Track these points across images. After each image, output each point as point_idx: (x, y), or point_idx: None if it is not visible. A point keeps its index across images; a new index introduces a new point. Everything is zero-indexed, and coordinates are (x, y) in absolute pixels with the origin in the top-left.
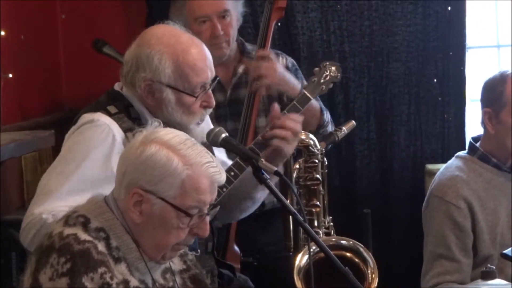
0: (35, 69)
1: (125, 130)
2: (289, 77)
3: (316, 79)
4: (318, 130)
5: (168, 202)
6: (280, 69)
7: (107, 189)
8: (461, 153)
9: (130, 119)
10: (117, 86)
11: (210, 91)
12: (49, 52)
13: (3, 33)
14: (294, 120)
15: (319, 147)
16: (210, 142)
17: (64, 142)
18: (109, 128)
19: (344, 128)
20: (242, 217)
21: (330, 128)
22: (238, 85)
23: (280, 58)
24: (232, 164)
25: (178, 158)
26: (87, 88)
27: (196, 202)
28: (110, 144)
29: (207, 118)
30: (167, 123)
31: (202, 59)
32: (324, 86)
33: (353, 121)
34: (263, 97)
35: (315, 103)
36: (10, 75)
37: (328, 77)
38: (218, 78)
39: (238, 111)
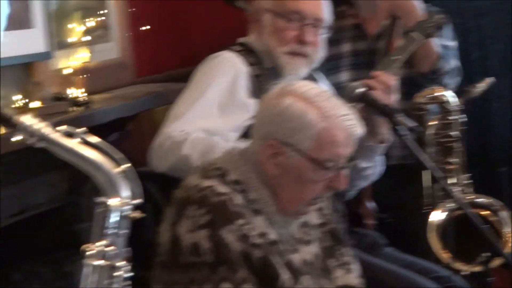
0: (171, 22)
1: (250, 64)
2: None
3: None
4: (430, 75)
5: (304, 154)
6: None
7: (235, 116)
8: None
9: (254, 58)
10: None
11: (308, 28)
12: (184, 5)
13: None
14: (386, 77)
15: (456, 103)
16: (346, 95)
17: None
18: (234, 59)
19: (480, 84)
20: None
21: (446, 79)
22: (379, 36)
23: None
24: None
25: (313, 110)
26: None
27: (332, 155)
28: (235, 73)
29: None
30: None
31: None
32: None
33: (491, 78)
34: None
35: (433, 46)
36: (148, 27)
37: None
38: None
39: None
